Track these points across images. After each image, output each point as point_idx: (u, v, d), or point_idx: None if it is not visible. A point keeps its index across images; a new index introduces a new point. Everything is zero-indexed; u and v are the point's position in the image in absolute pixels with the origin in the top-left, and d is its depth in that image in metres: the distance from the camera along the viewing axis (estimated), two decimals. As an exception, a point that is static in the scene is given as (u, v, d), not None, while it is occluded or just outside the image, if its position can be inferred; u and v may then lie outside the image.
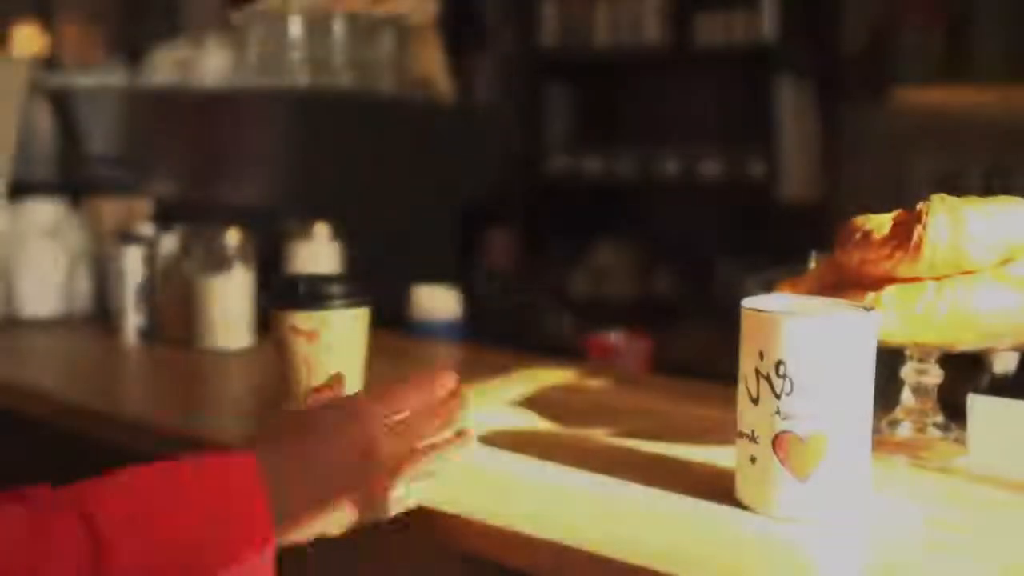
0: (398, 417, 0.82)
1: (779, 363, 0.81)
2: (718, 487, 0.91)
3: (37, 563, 0.65)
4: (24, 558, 0.65)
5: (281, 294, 1.10)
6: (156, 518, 0.68)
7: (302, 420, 0.80)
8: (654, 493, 0.92)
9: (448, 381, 0.85)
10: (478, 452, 1.03)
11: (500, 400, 1.21)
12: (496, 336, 1.60)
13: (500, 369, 1.37)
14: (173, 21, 4.92)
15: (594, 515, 0.88)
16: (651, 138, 3.99)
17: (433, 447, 0.83)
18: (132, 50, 4.38)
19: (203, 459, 0.73)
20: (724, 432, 1.09)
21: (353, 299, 1.09)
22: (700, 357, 3.10)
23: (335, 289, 1.09)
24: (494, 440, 1.06)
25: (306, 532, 0.77)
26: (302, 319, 1.07)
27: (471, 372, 1.41)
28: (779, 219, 3.62)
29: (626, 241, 4.08)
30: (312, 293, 1.08)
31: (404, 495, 0.83)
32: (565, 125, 4.25)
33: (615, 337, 1.93)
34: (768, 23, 3.67)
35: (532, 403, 1.20)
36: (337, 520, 0.79)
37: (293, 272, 1.41)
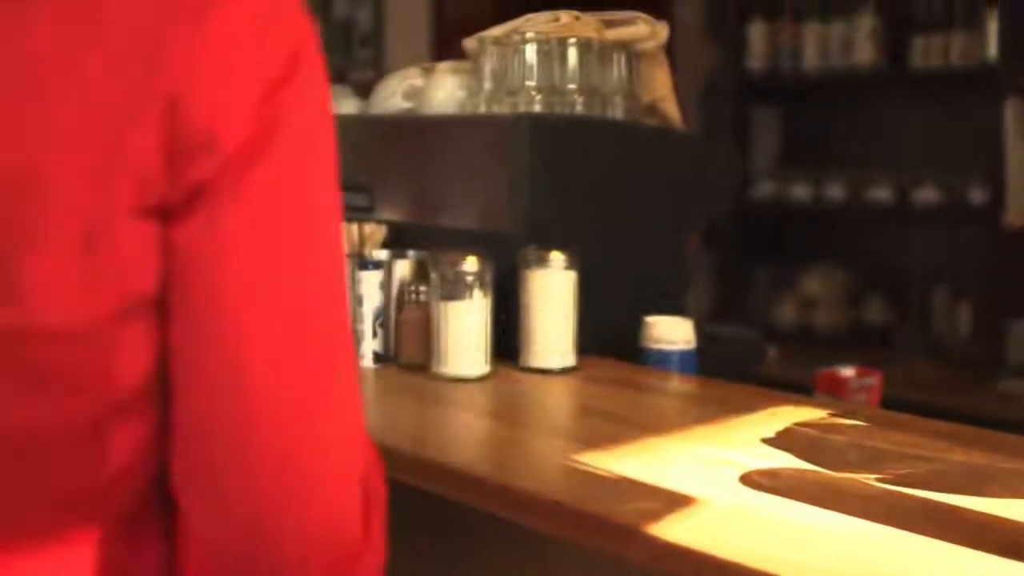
0: None
1: (1103, 413, 0.74)
2: (1012, 542, 0.84)
3: None
4: None
5: None
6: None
7: None
8: (940, 546, 0.86)
9: None
10: (741, 493, 0.99)
11: (754, 438, 1.16)
12: (714, 368, 1.55)
13: (737, 404, 1.33)
14: (377, 51, 5.07)
15: (869, 567, 0.82)
16: (862, 163, 3.86)
17: None
18: (337, 79, 4.53)
19: None
20: (1006, 480, 1.02)
21: None
22: (927, 392, 2.96)
23: None
24: (757, 481, 1.02)
25: None
26: None
27: (708, 406, 1.37)
28: (1002, 247, 3.43)
29: (835, 269, 3.95)
30: None
31: None
32: (772, 150, 4.17)
33: (846, 372, 1.85)
34: (991, 44, 3.50)
35: (788, 443, 1.15)
36: None
37: None
